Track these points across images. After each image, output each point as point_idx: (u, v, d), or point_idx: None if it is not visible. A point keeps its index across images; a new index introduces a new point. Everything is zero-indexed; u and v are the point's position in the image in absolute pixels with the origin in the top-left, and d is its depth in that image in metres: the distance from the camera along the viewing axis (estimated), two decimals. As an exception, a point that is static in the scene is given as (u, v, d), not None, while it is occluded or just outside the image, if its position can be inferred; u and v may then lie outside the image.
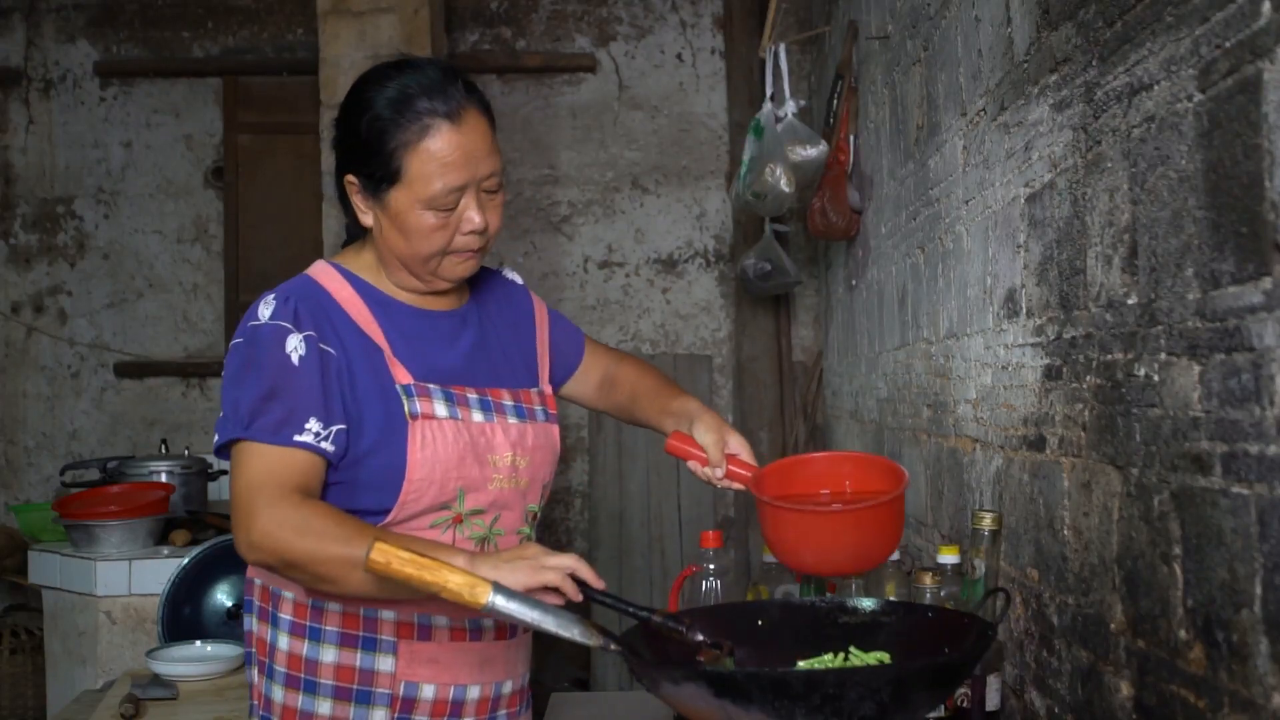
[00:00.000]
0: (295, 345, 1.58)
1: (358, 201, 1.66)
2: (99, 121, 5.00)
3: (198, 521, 3.67)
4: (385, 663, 1.65)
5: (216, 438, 1.61)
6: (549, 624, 1.35)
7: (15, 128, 5.00)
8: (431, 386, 1.66)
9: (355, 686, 1.64)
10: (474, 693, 1.71)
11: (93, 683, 3.34)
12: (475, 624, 1.70)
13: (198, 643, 3.13)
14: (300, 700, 1.65)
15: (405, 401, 1.62)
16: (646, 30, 4.95)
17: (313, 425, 1.56)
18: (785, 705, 1.23)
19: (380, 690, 1.64)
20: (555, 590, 1.44)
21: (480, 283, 1.84)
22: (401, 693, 1.65)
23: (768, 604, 1.71)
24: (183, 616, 3.26)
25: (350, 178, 1.65)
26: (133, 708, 2.71)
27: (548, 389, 1.85)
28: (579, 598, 1.45)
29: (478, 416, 1.68)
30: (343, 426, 1.59)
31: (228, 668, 3.01)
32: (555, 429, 1.80)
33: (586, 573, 1.46)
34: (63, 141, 5.00)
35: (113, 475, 3.81)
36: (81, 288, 4.99)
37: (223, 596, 3.32)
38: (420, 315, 1.72)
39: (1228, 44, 1.08)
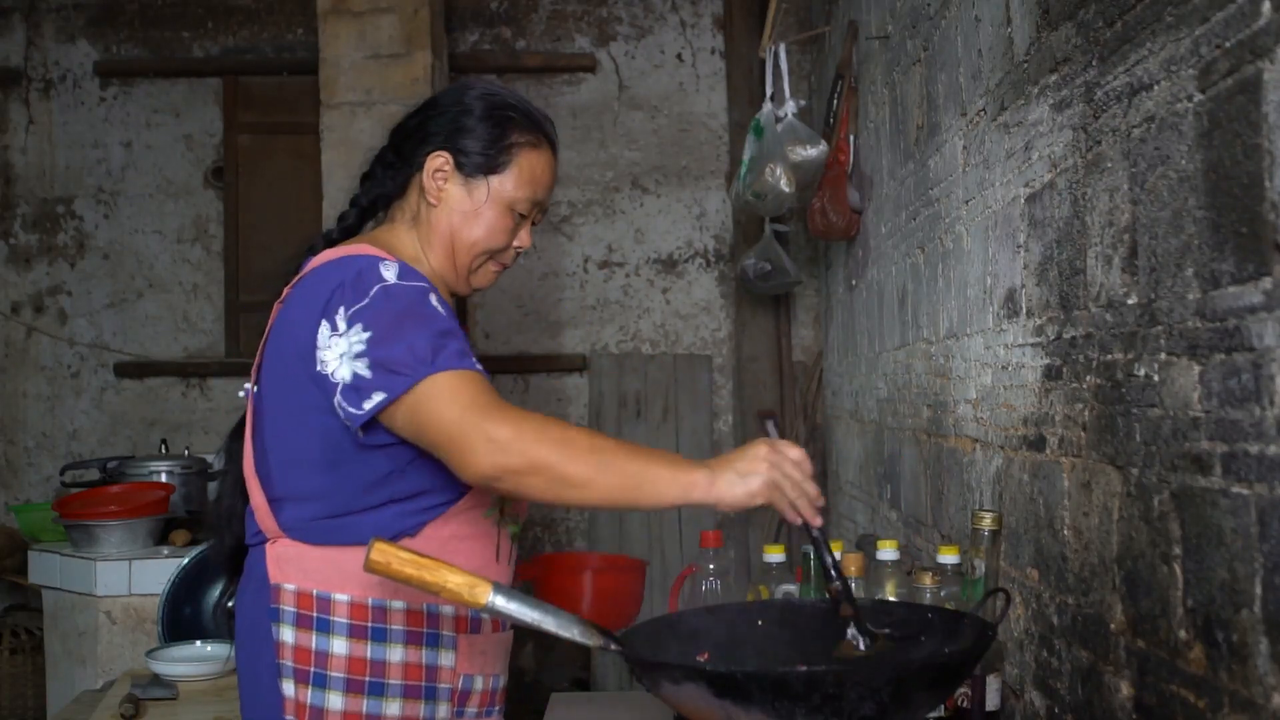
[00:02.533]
0: (437, 303, 1.58)
1: (438, 180, 1.70)
2: (99, 121, 5.00)
3: (198, 521, 3.67)
4: (447, 658, 1.66)
5: (378, 399, 1.49)
6: (549, 624, 1.35)
7: (15, 128, 5.00)
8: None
9: (423, 684, 1.64)
10: (500, 682, 1.77)
11: (93, 683, 3.34)
12: None
13: (198, 643, 3.13)
14: (365, 705, 1.60)
15: None
16: (646, 30, 4.95)
17: (478, 364, 1.54)
18: (785, 705, 1.23)
19: (443, 685, 1.66)
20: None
21: None
22: (460, 686, 1.67)
23: (768, 604, 1.71)
24: (183, 616, 3.26)
25: (444, 154, 1.70)
26: (133, 708, 2.71)
27: None
28: (798, 522, 1.45)
29: None
30: None
31: (228, 668, 3.01)
32: None
33: (811, 501, 1.46)
34: (63, 141, 5.00)
35: (113, 475, 3.81)
36: (81, 288, 4.99)
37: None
38: (451, 310, 1.74)
39: (1228, 44, 1.08)
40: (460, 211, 1.70)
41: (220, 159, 4.99)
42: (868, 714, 1.24)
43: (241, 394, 1.77)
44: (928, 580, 1.77)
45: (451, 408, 1.46)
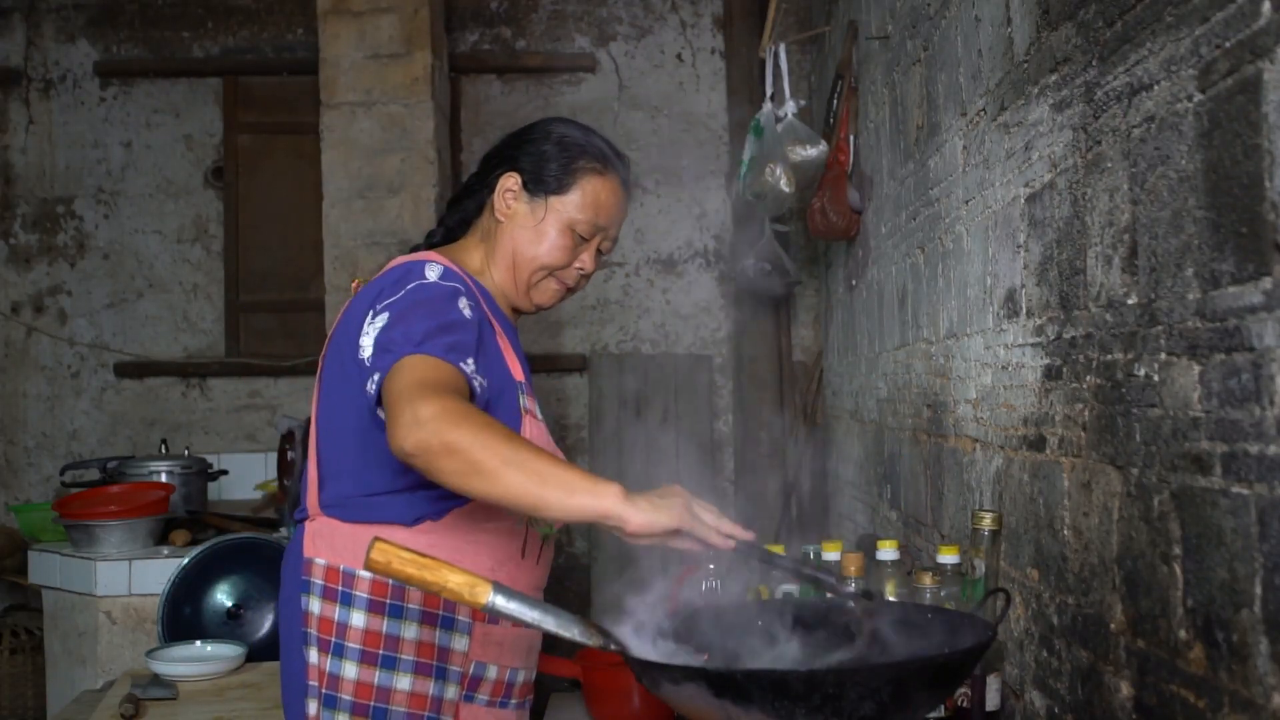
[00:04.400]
0: (464, 305, 1.66)
1: (507, 198, 1.83)
2: (99, 121, 5.00)
3: (198, 521, 3.67)
4: (460, 642, 1.74)
5: (376, 377, 1.56)
6: (549, 623, 1.35)
7: (15, 128, 5.00)
8: (527, 388, 1.79)
9: (434, 663, 1.72)
10: (520, 676, 1.84)
11: (93, 683, 3.34)
12: None
13: (198, 643, 3.13)
14: (377, 676, 1.70)
15: (520, 397, 1.74)
16: (646, 30, 4.95)
17: (471, 363, 1.59)
18: (785, 705, 1.23)
19: (454, 668, 1.74)
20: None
21: None
22: (471, 671, 1.75)
23: (768, 604, 1.71)
24: (183, 616, 3.26)
25: (514, 174, 1.83)
26: (133, 708, 2.71)
27: None
28: (729, 546, 1.51)
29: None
30: (486, 383, 1.64)
31: (228, 668, 3.01)
32: None
33: (730, 525, 1.51)
34: (63, 141, 5.00)
35: (113, 475, 3.81)
36: (81, 288, 4.99)
37: (223, 596, 3.32)
38: (510, 325, 1.87)
39: (1228, 44, 1.08)
40: (524, 228, 1.82)
41: (220, 159, 4.99)
42: (868, 714, 1.24)
43: None
44: (928, 580, 1.77)
45: (400, 382, 1.51)
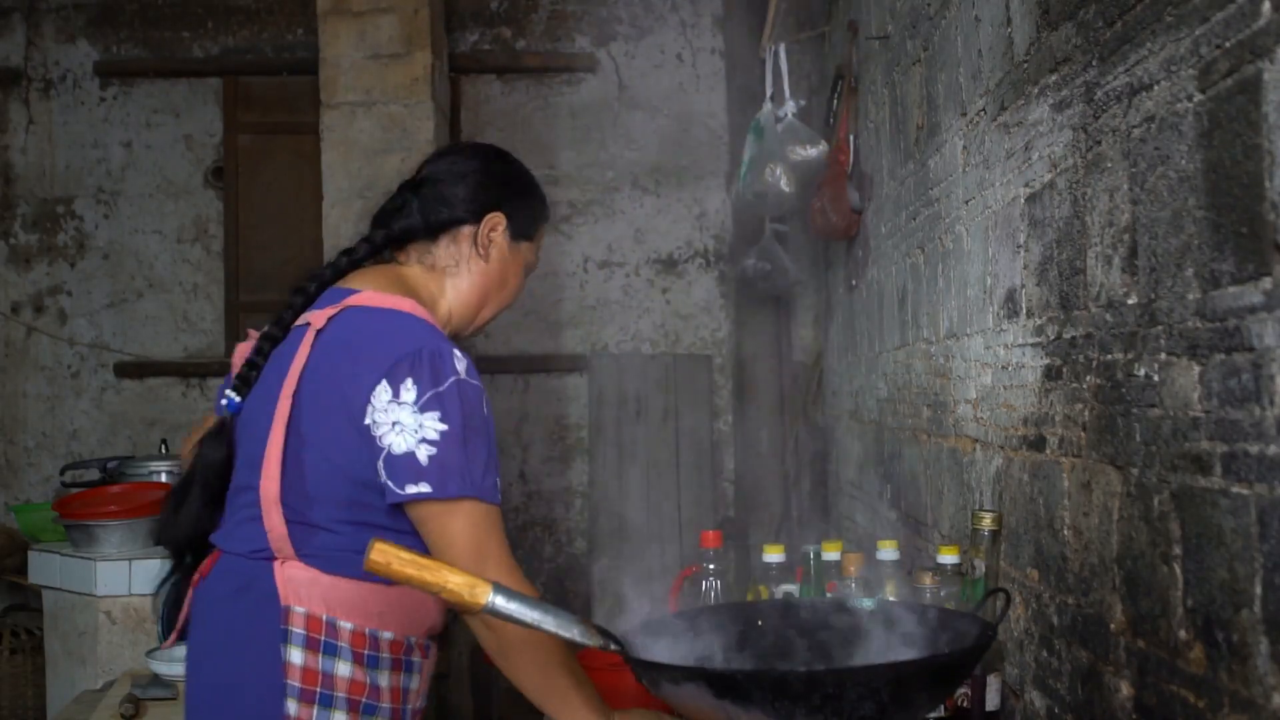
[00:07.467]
0: (485, 403, 1.68)
1: (492, 236, 1.84)
2: (99, 121, 5.00)
3: (198, 521, 3.66)
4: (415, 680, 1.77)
5: (429, 490, 1.58)
6: (549, 624, 1.35)
7: (15, 128, 5.00)
8: None
9: (404, 706, 1.75)
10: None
11: (93, 683, 3.34)
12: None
13: (198, 643, 3.13)
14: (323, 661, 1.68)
15: None
16: (646, 30, 4.95)
17: (499, 483, 1.68)
18: (785, 705, 1.23)
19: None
20: None
21: None
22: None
23: (768, 604, 1.71)
24: (183, 616, 3.25)
25: (500, 215, 1.84)
26: (133, 708, 2.71)
27: None
28: None
29: None
30: None
31: (228, 668, 3.00)
32: None
33: None
34: (63, 141, 5.00)
35: (113, 475, 3.81)
36: (81, 288, 4.99)
37: (223, 596, 3.31)
38: None
39: (1228, 44, 1.08)
40: (501, 269, 1.86)
41: (220, 159, 4.99)
42: (868, 714, 1.24)
43: (224, 403, 1.75)
44: (928, 580, 1.77)
45: (476, 540, 1.60)
